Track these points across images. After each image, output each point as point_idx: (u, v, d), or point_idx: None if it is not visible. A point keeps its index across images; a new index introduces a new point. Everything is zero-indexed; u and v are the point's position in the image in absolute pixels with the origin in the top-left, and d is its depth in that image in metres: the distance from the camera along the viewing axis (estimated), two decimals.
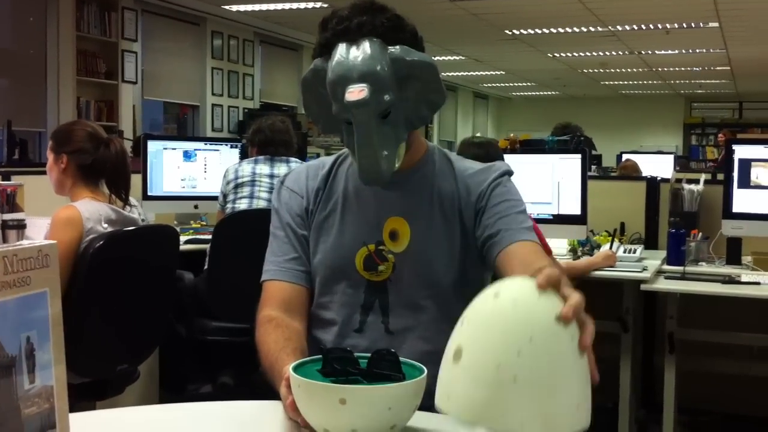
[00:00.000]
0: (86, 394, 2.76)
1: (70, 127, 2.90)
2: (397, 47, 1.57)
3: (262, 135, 4.13)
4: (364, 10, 1.60)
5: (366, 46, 1.56)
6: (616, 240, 3.79)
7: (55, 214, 2.69)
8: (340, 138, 1.66)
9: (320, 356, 1.26)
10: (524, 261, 1.54)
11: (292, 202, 1.75)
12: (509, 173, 1.74)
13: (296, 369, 1.23)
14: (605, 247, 3.70)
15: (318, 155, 7.71)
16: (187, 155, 4.63)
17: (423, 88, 1.60)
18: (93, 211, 2.72)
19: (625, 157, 8.24)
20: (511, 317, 1.00)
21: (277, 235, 1.73)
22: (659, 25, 10.64)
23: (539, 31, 11.37)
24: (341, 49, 1.57)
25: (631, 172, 6.67)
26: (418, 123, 1.65)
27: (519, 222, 1.64)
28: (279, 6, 9.88)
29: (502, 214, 1.64)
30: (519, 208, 1.67)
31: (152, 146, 4.55)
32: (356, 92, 1.53)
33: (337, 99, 1.57)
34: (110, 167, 2.80)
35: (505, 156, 3.53)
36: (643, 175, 6.47)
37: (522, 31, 11.38)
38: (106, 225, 2.73)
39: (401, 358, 1.24)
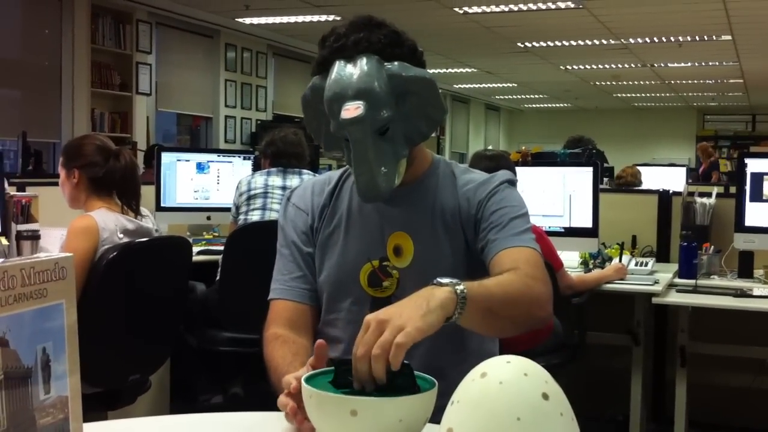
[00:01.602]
0: (98, 404, 2.76)
1: (80, 142, 2.93)
2: (395, 63, 1.56)
3: (274, 147, 4.15)
4: (361, 27, 1.59)
5: (362, 63, 1.55)
6: (626, 253, 3.78)
7: (71, 223, 2.72)
8: (342, 154, 1.65)
9: (332, 368, 1.27)
10: (498, 272, 1.53)
11: (298, 220, 1.74)
12: (510, 182, 1.71)
13: (308, 380, 1.23)
14: (616, 260, 3.70)
15: (330, 167, 7.72)
16: (200, 167, 4.66)
17: (421, 104, 1.59)
18: (109, 221, 2.74)
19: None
20: (498, 398, 1.00)
21: (283, 253, 1.74)
22: (672, 38, 10.63)
23: (551, 44, 11.38)
24: (338, 67, 1.56)
25: (627, 177, 6.60)
26: (418, 139, 1.63)
27: (510, 229, 1.60)
28: (292, 19, 9.93)
29: (494, 224, 1.62)
30: (514, 214, 1.63)
31: (165, 158, 4.58)
32: (352, 110, 1.53)
33: (334, 116, 1.57)
34: (120, 178, 2.83)
35: (517, 169, 3.54)
36: (644, 184, 6.44)
37: (534, 43, 11.39)
38: (121, 235, 2.75)
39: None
